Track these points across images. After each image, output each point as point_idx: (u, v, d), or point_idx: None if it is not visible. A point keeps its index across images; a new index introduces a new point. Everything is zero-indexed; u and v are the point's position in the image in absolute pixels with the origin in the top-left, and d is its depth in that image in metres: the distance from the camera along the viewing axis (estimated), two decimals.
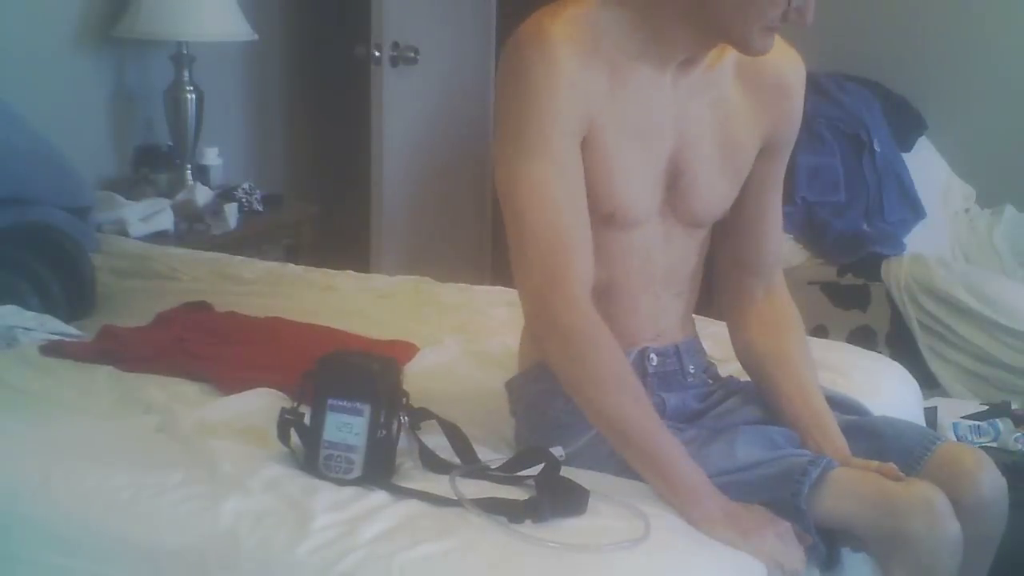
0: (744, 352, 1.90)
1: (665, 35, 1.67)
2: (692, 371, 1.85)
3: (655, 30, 1.67)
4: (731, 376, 1.95)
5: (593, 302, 1.67)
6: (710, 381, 1.90)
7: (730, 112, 1.77)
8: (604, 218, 1.70)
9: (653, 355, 1.80)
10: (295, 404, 1.72)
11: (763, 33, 1.63)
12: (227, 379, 2.06)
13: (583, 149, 1.66)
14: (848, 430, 1.78)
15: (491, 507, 1.56)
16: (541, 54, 1.62)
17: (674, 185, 1.75)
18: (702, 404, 1.85)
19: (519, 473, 1.66)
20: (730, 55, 1.73)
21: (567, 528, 1.55)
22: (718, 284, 1.94)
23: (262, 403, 1.94)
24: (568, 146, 1.64)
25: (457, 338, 2.35)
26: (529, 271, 1.66)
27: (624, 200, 1.71)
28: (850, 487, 1.63)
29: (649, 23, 1.66)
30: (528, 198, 1.64)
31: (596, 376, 1.63)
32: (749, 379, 1.91)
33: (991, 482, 1.73)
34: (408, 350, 2.24)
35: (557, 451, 1.67)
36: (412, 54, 3.92)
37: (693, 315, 1.92)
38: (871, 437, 1.78)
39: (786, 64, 1.80)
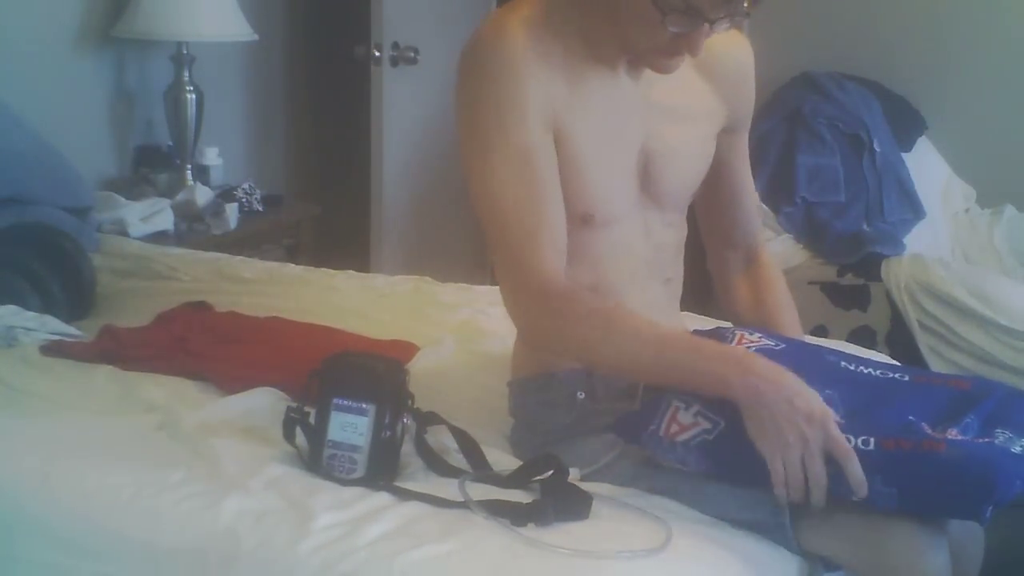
0: (732, 319, 1.98)
1: (603, 40, 1.68)
2: None
3: (596, 33, 1.67)
4: None
5: None
6: None
7: (691, 93, 1.79)
8: (583, 219, 1.70)
9: None
10: (300, 403, 1.72)
11: (659, 56, 1.65)
12: (228, 378, 2.06)
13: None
14: None
15: (495, 509, 1.55)
16: (501, 45, 1.61)
17: (646, 174, 1.77)
18: None
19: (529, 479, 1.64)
20: None
21: (579, 533, 1.50)
22: (707, 257, 2.04)
23: (264, 402, 1.94)
24: (532, 136, 1.61)
25: (457, 337, 2.35)
26: (504, 254, 1.65)
27: (600, 200, 1.71)
28: (832, 518, 1.53)
29: (591, 27, 1.67)
30: (494, 187, 1.62)
31: (586, 323, 1.60)
32: None
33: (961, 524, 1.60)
34: (408, 350, 2.24)
35: (574, 472, 1.64)
36: (412, 54, 3.92)
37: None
38: None
39: (736, 50, 1.84)
